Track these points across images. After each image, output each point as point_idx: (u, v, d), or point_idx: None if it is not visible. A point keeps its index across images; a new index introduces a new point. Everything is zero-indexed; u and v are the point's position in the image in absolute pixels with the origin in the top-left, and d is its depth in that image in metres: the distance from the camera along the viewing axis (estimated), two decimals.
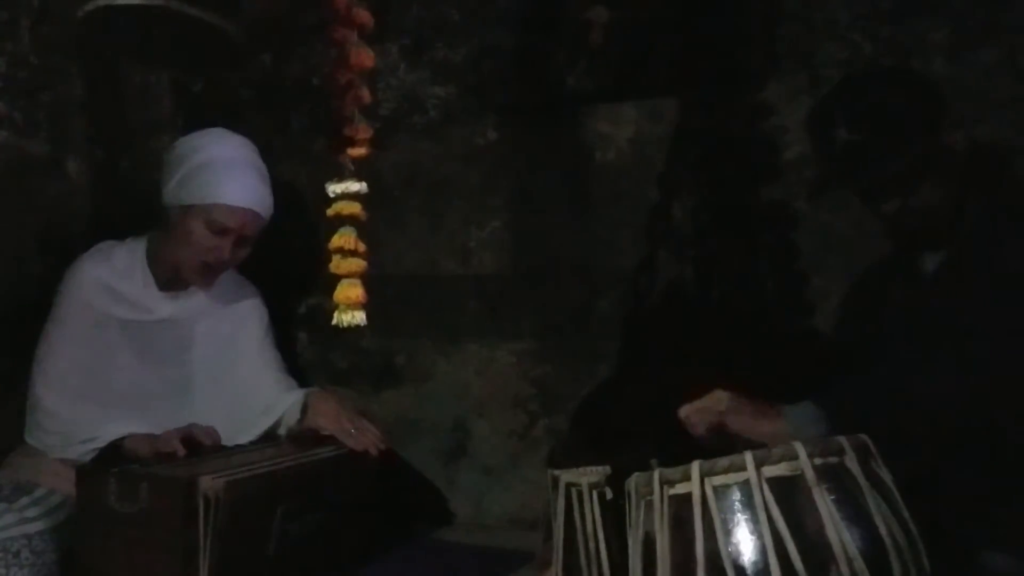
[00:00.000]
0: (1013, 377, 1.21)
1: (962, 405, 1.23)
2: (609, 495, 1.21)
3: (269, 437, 1.85)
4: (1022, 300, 1.25)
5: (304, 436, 1.80)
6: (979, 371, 1.22)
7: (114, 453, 1.67)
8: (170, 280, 1.89)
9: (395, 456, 1.90)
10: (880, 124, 1.35)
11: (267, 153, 2.28)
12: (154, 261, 1.88)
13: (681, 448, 1.28)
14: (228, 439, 1.79)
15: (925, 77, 1.46)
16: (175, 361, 1.87)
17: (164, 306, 1.87)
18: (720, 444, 1.24)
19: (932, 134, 1.35)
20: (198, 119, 1.95)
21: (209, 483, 1.43)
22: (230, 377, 1.90)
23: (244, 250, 1.86)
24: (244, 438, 1.83)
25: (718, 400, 1.30)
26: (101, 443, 1.69)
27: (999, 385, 1.22)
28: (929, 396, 1.23)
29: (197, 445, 1.69)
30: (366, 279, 1.63)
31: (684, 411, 1.31)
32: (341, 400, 1.84)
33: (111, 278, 1.84)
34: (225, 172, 1.80)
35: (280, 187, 2.28)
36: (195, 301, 1.90)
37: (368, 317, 1.84)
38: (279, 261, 2.29)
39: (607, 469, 1.25)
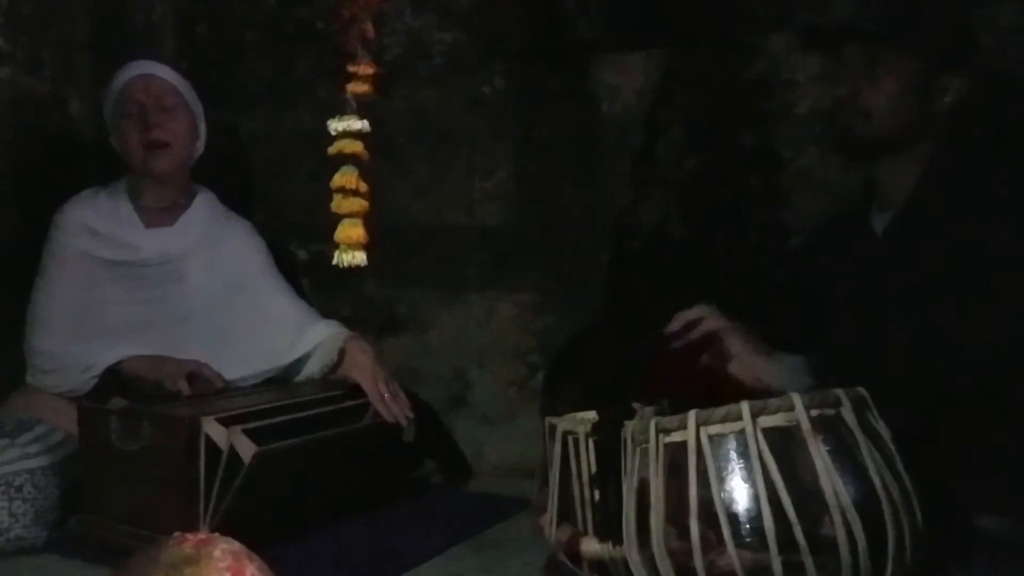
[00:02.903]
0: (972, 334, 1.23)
1: (943, 367, 1.24)
2: (598, 440, 1.22)
3: (275, 380, 1.85)
4: (974, 263, 1.26)
5: (321, 381, 1.80)
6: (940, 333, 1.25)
7: (114, 380, 1.68)
8: (155, 216, 1.89)
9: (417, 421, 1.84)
10: (901, 12, 1.36)
11: (272, 96, 2.28)
12: (135, 199, 1.89)
13: (674, 397, 1.29)
14: (240, 363, 1.80)
15: (967, 20, 1.44)
16: (169, 297, 1.86)
17: (151, 244, 1.87)
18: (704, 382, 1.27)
19: (934, 54, 1.35)
20: (202, 60, 1.93)
21: (211, 425, 1.43)
22: (236, 306, 1.88)
23: (174, 116, 1.86)
24: (264, 363, 1.83)
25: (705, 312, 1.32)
26: (98, 370, 1.71)
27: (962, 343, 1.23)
28: (913, 360, 1.25)
29: (201, 382, 1.70)
30: (368, 219, 1.62)
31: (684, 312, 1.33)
32: (378, 357, 1.80)
33: (95, 220, 1.85)
34: (122, 68, 1.87)
35: (284, 131, 2.28)
36: (183, 237, 1.90)
37: (371, 266, 1.83)
38: (282, 206, 2.30)
39: (593, 415, 1.25)
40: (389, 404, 1.72)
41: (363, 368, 1.75)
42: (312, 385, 1.81)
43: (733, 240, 1.76)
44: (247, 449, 1.41)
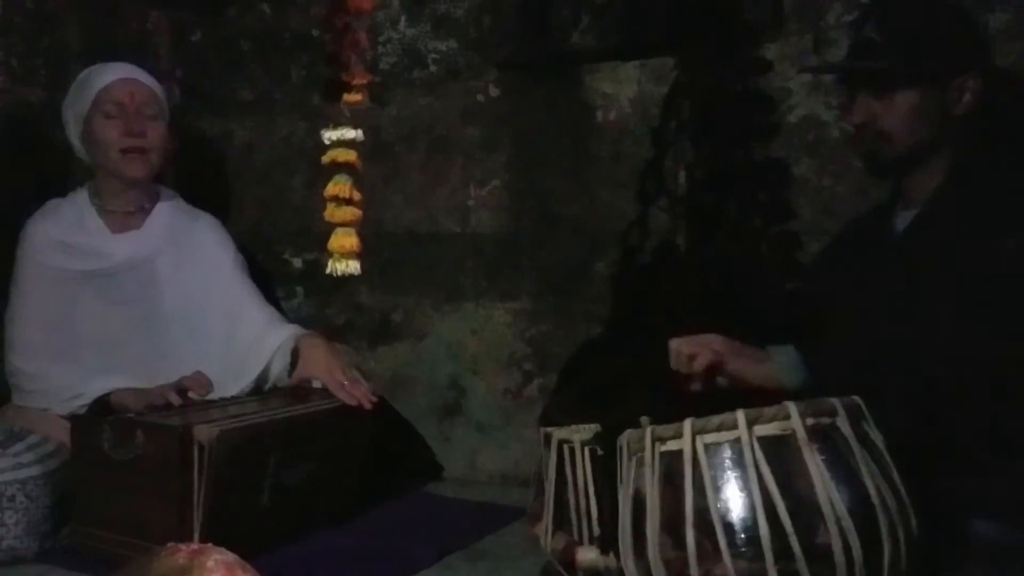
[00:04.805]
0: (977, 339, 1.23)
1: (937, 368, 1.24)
2: (599, 452, 1.22)
3: (260, 390, 1.85)
4: (989, 263, 1.26)
5: (297, 388, 1.80)
6: (946, 332, 1.24)
7: (103, 409, 1.67)
8: (121, 221, 1.89)
9: (387, 409, 1.88)
10: (904, 36, 1.36)
11: (266, 104, 2.28)
12: (101, 205, 1.88)
13: (672, 407, 1.29)
14: (214, 377, 1.78)
15: (972, 17, 1.45)
16: (143, 302, 1.85)
17: (120, 249, 1.86)
18: (706, 392, 1.27)
19: (944, 68, 1.35)
20: (197, 68, 1.93)
21: (204, 431, 1.43)
22: (205, 309, 1.88)
23: (154, 126, 1.85)
24: (235, 378, 1.83)
25: (710, 341, 1.32)
26: (87, 399, 1.70)
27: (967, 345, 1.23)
28: (906, 359, 1.25)
29: (187, 397, 1.70)
30: (361, 228, 1.62)
31: (675, 342, 1.32)
32: (332, 349, 1.82)
33: (61, 233, 1.84)
34: (98, 68, 1.87)
35: (278, 139, 2.28)
36: (152, 238, 1.89)
37: (366, 274, 1.84)
38: (276, 214, 2.29)
39: (597, 426, 1.25)
40: (349, 389, 1.73)
41: (317, 362, 1.77)
42: (306, 393, 1.81)
43: (739, 250, 1.76)
44: (209, 435, 1.42)
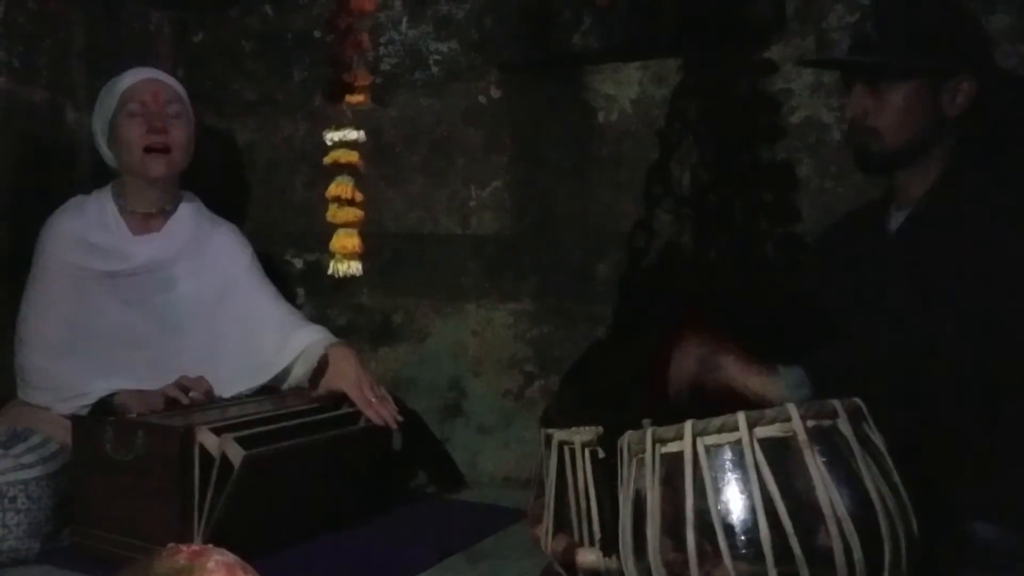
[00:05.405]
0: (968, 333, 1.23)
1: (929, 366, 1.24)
2: (601, 454, 1.22)
3: (269, 389, 1.85)
4: (981, 264, 1.26)
5: (298, 389, 1.79)
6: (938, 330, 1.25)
7: (106, 410, 1.67)
8: (142, 222, 1.89)
9: (407, 426, 1.84)
10: (899, 33, 1.37)
11: (268, 105, 2.28)
12: (123, 206, 1.89)
13: (674, 409, 1.29)
14: (225, 378, 1.78)
15: (973, 21, 1.45)
16: (160, 304, 1.85)
17: (141, 251, 1.86)
18: (695, 402, 1.27)
19: (937, 67, 1.36)
20: (199, 69, 1.93)
21: (206, 435, 1.43)
22: (219, 313, 1.88)
23: (177, 124, 1.87)
24: (251, 376, 1.82)
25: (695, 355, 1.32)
26: (91, 399, 1.70)
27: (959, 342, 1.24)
28: (901, 361, 1.25)
29: (188, 396, 1.70)
30: (363, 229, 1.62)
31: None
32: (361, 362, 1.80)
33: (85, 231, 1.84)
34: (123, 74, 1.91)
35: (280, 140, 2.28)
36: (172, 242, 1.90)
37: (367, 275, 1.84)
38: (277, 215, 2.30)
39: (600, 429, 1.25)
40: (377, 408, 1.72)
41: (346, 375, 1.75)
42: (304, 394, 1.81)
43: (743, 251, 1.76)
44: (236, 453, 1.41)
